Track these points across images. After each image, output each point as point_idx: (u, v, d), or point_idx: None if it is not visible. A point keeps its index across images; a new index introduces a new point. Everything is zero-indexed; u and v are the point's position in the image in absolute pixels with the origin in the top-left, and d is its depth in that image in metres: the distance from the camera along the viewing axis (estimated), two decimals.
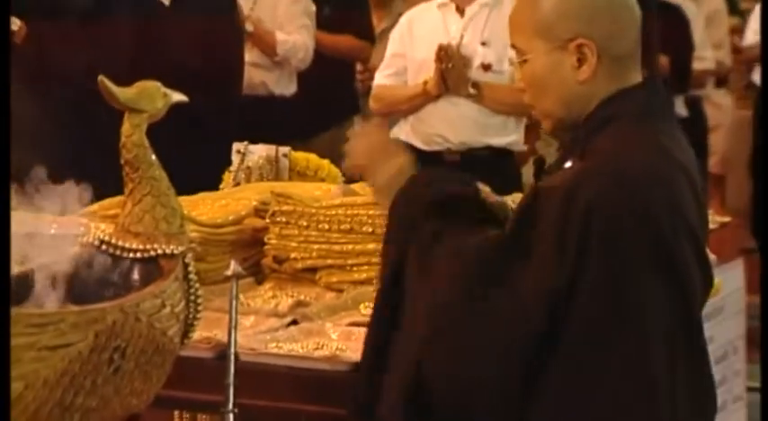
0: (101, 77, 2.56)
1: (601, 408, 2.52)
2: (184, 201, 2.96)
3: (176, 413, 3.61)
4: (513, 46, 2.72)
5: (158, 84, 2.67)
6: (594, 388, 2.52)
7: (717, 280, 3.92)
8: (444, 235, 2.67)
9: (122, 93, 2.59)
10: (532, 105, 2.73)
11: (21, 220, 3.01)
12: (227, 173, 4.30)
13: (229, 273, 2.76)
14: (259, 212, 3.69)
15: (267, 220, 3.64)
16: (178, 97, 2.69)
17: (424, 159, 5.10)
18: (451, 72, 4.97)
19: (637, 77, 2.71)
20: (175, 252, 2.62)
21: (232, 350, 2.73)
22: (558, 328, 2.50)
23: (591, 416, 2.53)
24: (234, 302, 2.75)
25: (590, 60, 2.61)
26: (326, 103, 6.39)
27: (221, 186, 4.25)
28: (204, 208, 3.65)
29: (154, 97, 2.65)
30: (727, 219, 4.65)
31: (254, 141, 4.37)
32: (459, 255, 2.62)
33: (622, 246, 2.51)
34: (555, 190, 2.54)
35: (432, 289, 2.62)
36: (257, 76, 6.12)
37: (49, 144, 2.61)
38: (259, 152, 4.28)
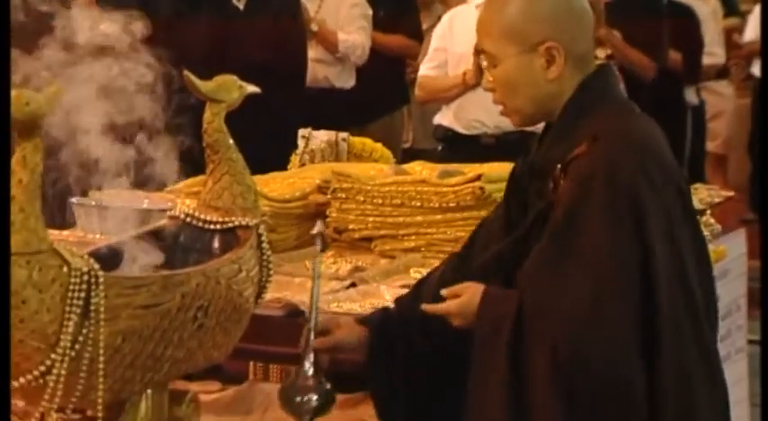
0: (186, 72, 2.57)
1: None
2: (257, 179, 2.95)
3: (251, 363, 3.65)
4: (482, 50, 2.66)
5: (235, 77, 2.67)
6: None
7: (722, 247, 3.93)
8: None
9: (204, 85, 2.59)
10: (502, 103, 2.66)
11: (117, 195, 3.03)
12: (293, 155, 4.31)
13: (315, 231, 2.93)
14: (322, 189, 3.70)
15: (329, 196, 3.65)
16: (252, 89, 2.69)
17: (463, 142, 5.13)
18: None
19: (593, 66, 2.68)
20: (250, 224, 2.62)
21: (315, 298, 2.85)
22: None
23: None
24: (318, 257, 2.97)
25: (558, 61, 2.58)
26: (380, 94, 6.38)
27: (288, 167, 4.25)
28: (274, 185, 3.66)
29: (231, 89, 2.65)
30: (730, 193, 4.61)
31: (317, 128, 4.38)
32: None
33: (667, 216, 2.51)
34: (594, 175, 2.50)
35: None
36: (321, 70, 6.12)
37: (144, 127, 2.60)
38: (321, 137, 4.28)
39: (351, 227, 3.62)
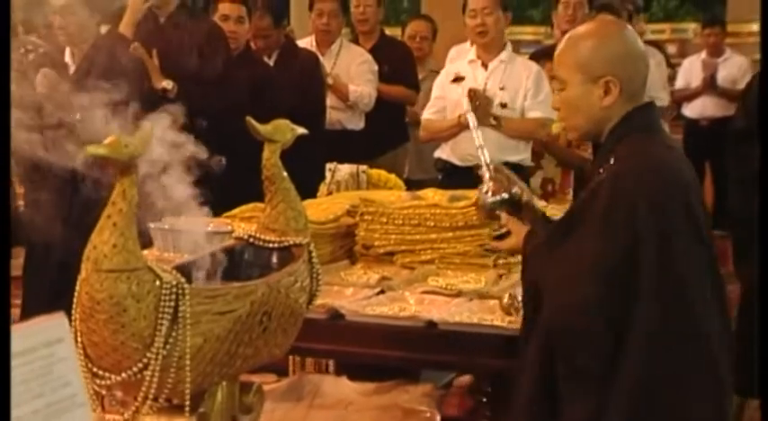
0: (248, 118, 2.56)
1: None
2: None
3: (290, 357, 3.63)
4: (555, 76, 2.80)
5: (287, 121, 2.67)
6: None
7: None
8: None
9: (263, 128, 2.59)
10: (564, 120, 2.81)
11: (185, 221, 3.02)
12: (321, 185, 4.29)
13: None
14: (350, 213, 3.68)
15: (357, 219, 3.63)
16: (301, 131, 2.68)
17: (459, 172, 5.13)
18: (479, 109, 4.93)
19: (641, 101, 2.75)
20: (302, 242, 2.62)
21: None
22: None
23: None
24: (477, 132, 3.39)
25: (613, 93, 2.67)
26: (385, 134, 6.38)
27: (318, 195, 4.24)
28: (311, 210, 3.64)
29: (285, 131, 2.64)
30: None
31: (337, 158, 4.39)
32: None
33: (663, 217, 2.56)
34: (602, 184, 2.62)
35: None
36: (335, 115, 6.11)
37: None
38: (345, 169, 4.28)
39: (376, 243, 3.59)
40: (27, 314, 4.17)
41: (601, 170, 2.68)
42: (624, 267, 2.53)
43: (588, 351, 2.53)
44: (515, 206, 3.01)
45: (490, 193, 3.01)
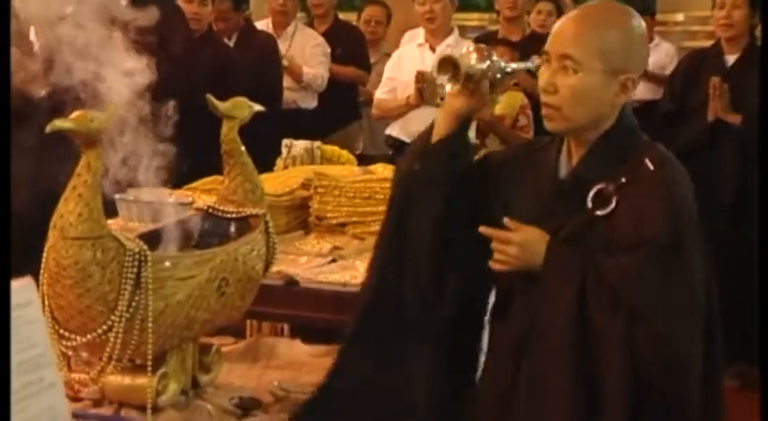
0: (208, 95, 2.54)
1: None
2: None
3: (248, 321, 3.62)
4: (568, 55, 2.22)
5: (246, 99, 2.64)
6: None
7: None
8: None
9: (222, 105, 2.56)
10: (557, 106, 2.25)
11: (148, 193, 3.00)
12: (278, 160, 4.27)
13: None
14: (305, 186, 3.66)
15: (311, 191, 3.62)
16: (258, 108, 2.66)
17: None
18: (425, 89, 4.93)
19: None
20: (259, 213, 2.60)
21: None
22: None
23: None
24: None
25: (630, 91, 2.27)
26: (337, 112, 6.36)
27: (274, 169, 4.21)
28: (267, 184, 3.60)
29: (242, 108, 2.61)
30: None
31: (293, 137, 4.36)
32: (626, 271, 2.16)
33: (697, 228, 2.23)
34: (679, 200, 2.20)
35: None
36: (290, 95, 6.08)
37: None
38: (300, 145, 4.24)
39: (329, 215, 3.58)
40: None
41: (623, 178, 2.22)
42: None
43: (690, 390, 2.16)
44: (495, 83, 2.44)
45: (475, 57, 2.37)
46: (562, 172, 2.30)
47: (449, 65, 2.37)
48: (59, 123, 2.17)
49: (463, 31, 6.92)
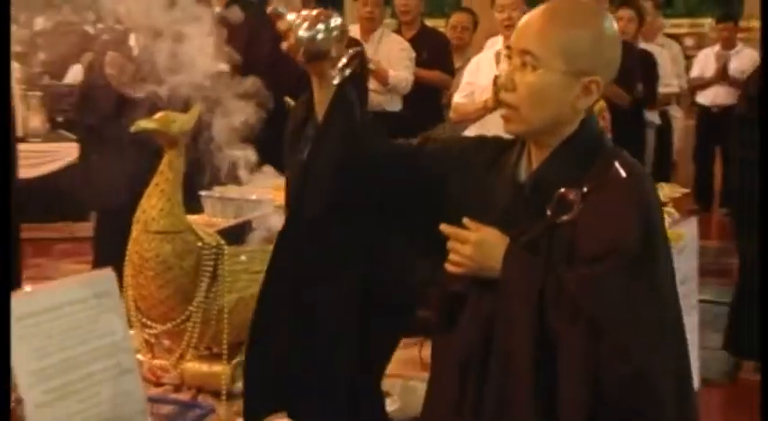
0: (286, 99, 2.58)
1: None
2: None
3: None
4: (528, 51, 1.98)
5: None
6: None
7: (682, 230, 3.91)
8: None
9: None
10: (515, 106, 1.99)
11: (232, 190, 3.05)
12: None
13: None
14: None
15: None
16: None
17: None
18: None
19: None
20: None
21: None
22: None
23: None
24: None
25: (594, 94, 2.01)
26: (421, 115, 6.37)
27: None
28: None
29: None
30: (686, 190, 4.57)
31: None
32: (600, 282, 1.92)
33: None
34: (646, 207, 1.97)
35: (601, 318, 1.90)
36: (375, 98, 6.11)
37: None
38: None
39: None
40: None
41: (587, 184, 1.98)
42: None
43: (659, 407, 1.93)
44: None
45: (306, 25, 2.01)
46: (522, 176, 2.06)
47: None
48: (144, 124, 2.23)
49: None
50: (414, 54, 6.31)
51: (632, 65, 6.33)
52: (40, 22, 9.87)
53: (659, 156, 7.41)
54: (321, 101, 2.08)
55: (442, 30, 7.34)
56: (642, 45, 7.00)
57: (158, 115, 2.25)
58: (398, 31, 6.75)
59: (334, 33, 2.02)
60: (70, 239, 6.55)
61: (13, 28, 10.11)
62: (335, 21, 2.02)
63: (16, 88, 7.12)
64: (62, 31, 9.07)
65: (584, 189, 1.97)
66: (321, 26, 2.00)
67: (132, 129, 2.23)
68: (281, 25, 2.03)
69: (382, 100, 6.20)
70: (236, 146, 2.71)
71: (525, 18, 2.04)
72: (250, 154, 2.71)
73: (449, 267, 2.02)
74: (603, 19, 2.05)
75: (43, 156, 7.07)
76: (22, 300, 1.74)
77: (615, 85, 6.08)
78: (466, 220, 2.01)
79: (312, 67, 2.05)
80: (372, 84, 6.06)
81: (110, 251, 3.80)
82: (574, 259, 1.95)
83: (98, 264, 4.58)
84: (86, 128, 4.97)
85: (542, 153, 2.04)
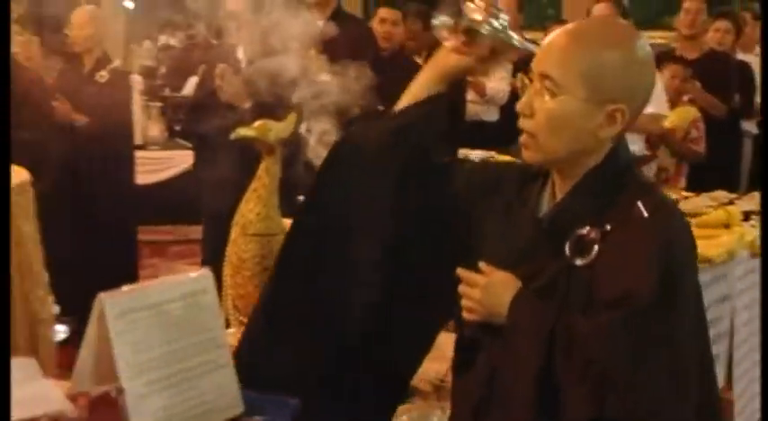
0: (379, 107, 2.59)
1: None
2: None
3: None
4: (547, 76, 1.77)
5: None
6: None
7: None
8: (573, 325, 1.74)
9: None
10: (532, 133, 1.82)
11: None
12: None
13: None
14: None
15: None
16: None
17: None
18: None
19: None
20: None
21: None
22: None
23: None
24: None
25: (618, 125, 1.78)
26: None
27: None
28: None
29: None
30: None
31: (474, 147, 4.40)
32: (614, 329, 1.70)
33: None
34: (668, 252, 1.73)
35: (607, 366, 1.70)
36: (473, 108, 6.11)
37: None
38: (477, 155, 4.27)
39: None
40: None
41: (608, 223, 1.77)
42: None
43: None
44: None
45: (481, 15, 1.96)
46: (543, 209, 1.87)
47: (452, 13, 1.96)
48: (243, 131, 2.26)
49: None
50: (510, 65, 6.27)
51: (729, 75, 6.19)
52: (163, 39, 10.11)
53: (757, 166, 7.24)
54: (453, 75, 2.05)
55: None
56: (740, 56, 6.84)
57: (257, 124, 2.28)
58: None
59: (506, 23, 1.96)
60: (184, 241, 6.68)
61: (146, 44, 10.36)
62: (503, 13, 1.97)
63: (138, 99, 7.30)
64: (183, 46, 9.27)
65: (607, 227, 1.77)
66: (503, 15, 1.95)
67: (232, 136, 2.26)
68: (444, 34, 1.95)
69: (480, 110, 6.19)
70: None
71: (548, 39, 1.84)
72: None
73: (464, 313, 1.87)
74: (634, 41, 1.82)
75: (161, 162, 7.24)
76: (123, 297, 1.78)
77: (711, 95, 5.99)
78: (481, 264, 1.85)
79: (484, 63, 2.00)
80: (470, 94, 6.04)
81: (214, 252, 3.88)
82: (589, 305, 1.74)
83: (205, 264, 4.68)
84: (197, 136, 5.08)
85: (565, 185, 1.84)
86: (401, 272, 2.04)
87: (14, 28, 6.46)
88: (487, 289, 1.83)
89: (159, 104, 8.13)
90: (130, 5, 10.57)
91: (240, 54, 4.59)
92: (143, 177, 6.36)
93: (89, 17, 5.44)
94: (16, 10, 6.98)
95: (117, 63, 5.58)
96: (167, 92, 8.81)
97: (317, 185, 2.06)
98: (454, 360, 2.00)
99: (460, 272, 1.86)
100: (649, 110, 4.94)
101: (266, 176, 2.26)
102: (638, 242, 1.73)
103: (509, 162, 2.13)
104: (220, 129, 4.16)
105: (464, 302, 1.86)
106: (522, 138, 1.85)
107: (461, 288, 1.86)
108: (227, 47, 4.65)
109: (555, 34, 1.83)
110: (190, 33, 8.85)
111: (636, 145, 5.12)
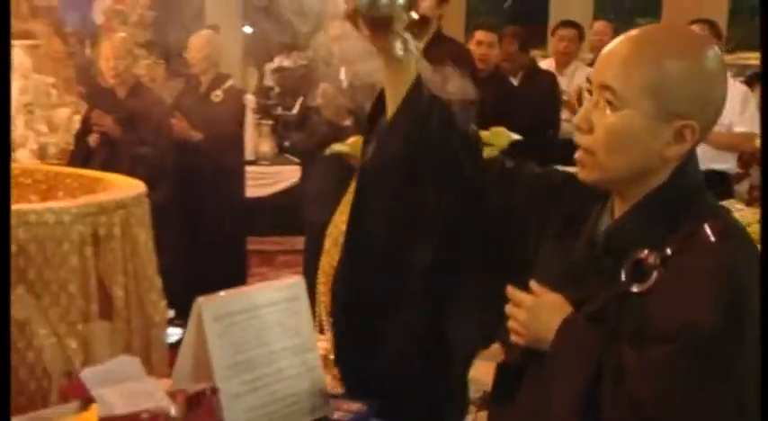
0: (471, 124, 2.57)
1: None
2: None
3: None
4: (609, 87, 1.54)
5: (505, 129, 2.66)
6: None
7: None
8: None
9: (483, 134, 2.58)
10: (590, 150, 1.58)
11: None
12: None
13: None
14: None
15: None
16: (516, 137, 2.67)
17: None
18: None
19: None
20: None
21: None
22: None
23: None
24: None
25: (687, 143, 1.54)
26: None
27: None
28: None
29: (501, 137, 2.62)
30: None
31: (567, 164, 4.34)
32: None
33: None
34: (735, 284, 1.48)
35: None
36: (567, 127, 6.02)
37: None
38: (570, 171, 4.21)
39: None
40: None
41: (670, 248, 1.53)
42: None
43: None
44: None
45: None
46: (601, 230, 1.64)
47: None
48: (337, 147, 2.27)
49: (744, 69, 6.65)
50: None
51: None
52: (277, 61, 10.29)
53: None
54: (391, 84, 1.75)
55: None
56: None
57: (350, 140, 2.29)
58: (592, 64, 6.66)
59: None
60: (291, 251, 6.75)
61: (266, 66, 10.55)
62: None
63: (251, 117, 7.43)
64: (295, 67, 9.41)
65: (667, 251, 1.53)
66: None
67: (327, 151, 2.28)
68: None
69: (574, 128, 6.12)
70: None
71: (609, 46, 1.59)
72: None
73: (511, 335, 1.65)
74: (705, 49, 1.57)
75: (270, 177, 7.33)
76: (220, 301, 1.80)
77: None
78: (532, 283, 1.64)
79: (375, 39, 1.70)
80: (564, 113, 5.98)
81: (312, 262, 3.93)
82: (643, 337, 1.50)
83: (305, 273, 4.73)
84: (302, 152, 5.14)
85: (624, 205, 1.62)
86: (448, 279, 1.87)
87: (141, 52, 6.68)
88: (534, 311, 1.61)
89: (270, 122, 8.25)
90: (249, 31, 10.80)
91: (342, 75, 4.64)
92: (254, 190, 6.45)
93: (205, 41, 5.58)
94: (143, 36, 7.21)
95: (231, 83, 5.68)
96: (279, 110, 8.94)
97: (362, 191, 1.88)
98: (495, 385, 1.77)
99: (509, 290, 1.65)
100: (742, 128, 4.86)
101: None
102: (701, 269, 1.49)
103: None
104: (321, 145, 4.22)
105: (510, 324, 1.64)
106: (579, 155, 1.61)
107: (508, 308, 1.65)
108: (331, 68, 4.71)
109: (617, 41, 1.59)
110: (302, 56, 8.98)
111: (729, 163, 4.99)
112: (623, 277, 1.55)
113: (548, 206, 1.75)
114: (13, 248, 2.62)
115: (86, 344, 2.66)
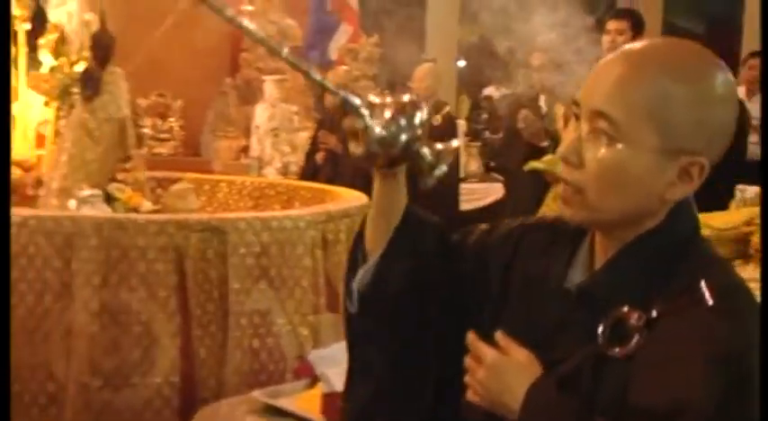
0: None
1: None
2: (703, 216, 2.81)
3: None
4: (602, 114, 1.13)
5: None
6: None
7: None
8: None
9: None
10: (580, 189, 1.17)
11: None
12: (731, 202, 4.06)
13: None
14: (748, 223, 3.46)
15: (752, 227, 3.41)
16: None
17: None
18: None
19: None
20: None
21: None
22: None
23: None
24: None
25: (695, 182, 1.15)
26: None
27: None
28: (715, 219, 3.49)
29: (557, 164, 2.51)
30: None
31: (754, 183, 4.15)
32: None
33: None
34: (709, 357, 1.08)
35: None
36: (754, 150, 5.74)
37: None
38: (751, 190, 3.99)
39: None
40: None
41: (656, 307, 1.13)
42: None
43: None
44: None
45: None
46: (575, 277, 1.23)
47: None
48: (534, 164, 2.28)
49: None
50: None
51: None
52: (486, 90, 10.37)
53: None
54: (384, 206, 1.36)
55: None
56: None
57: (546, 158, 2.29)
58: None
59: (419, 132, 1.24)
60: None
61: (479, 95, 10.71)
62: (422, 114, 1.24)
63: (462, 140, 7.53)
64: (502, 96, 9.46)
65: (653, 313, 1.13)
66: (403, 122, 1.21)
67: (525, 168, 2.29)
68: (350, 124, 1.22)
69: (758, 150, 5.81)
70: None
71: (601, 63, 1.18)
72: None
73: (467, 393, 1.22)
74: (716, 69, 1.16)
75: (478, 192, 7.38)
76: None
77: None
78: (497, 334, 1.21)
79: (383, 172, 1.29)
80: (752, 137, 5.69)
81: None
82: (626, 408, 1.11)
83: None
84: (505, 170, 5.15)
85: (608, 249, 1.21)
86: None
87: (369, 84, 6.91)
88: (497, 371, 1.18)
89: (478, 144, 8.35)
90: (462, 64, 11.02)
91: (542, 102, 4.63)
92: (465, 205, 6.53)
93: (427, 72, 5.73)
94: (371, 70, 7.50)
95: (447, 109, 5.78)
96: (487, 134, 9.01)
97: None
98: None
99: (471, 338, 1.22)
100: None
101: (553, 203, 2.26)
102: (694, 340, 1.09)
103: (538, 218, 1.40)
104: (522, 164, 4.24)
105: (468, 379, 1.22)
106: (564, 191, 1.20)
107: (468, 361, 1.22)
108: (531, 94, 4.72)
109: (610, 58, 1.17)
110: (507, 86, 9.02)
111: None
112: (599, 337, 1.15)
113: (501, 256, 1.33)
114: (257, 249, 2.77)
115: (315, 333, 2.79)
